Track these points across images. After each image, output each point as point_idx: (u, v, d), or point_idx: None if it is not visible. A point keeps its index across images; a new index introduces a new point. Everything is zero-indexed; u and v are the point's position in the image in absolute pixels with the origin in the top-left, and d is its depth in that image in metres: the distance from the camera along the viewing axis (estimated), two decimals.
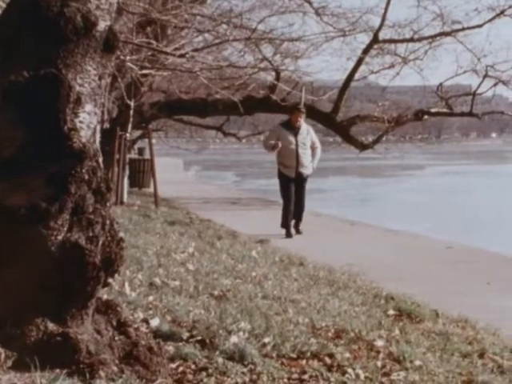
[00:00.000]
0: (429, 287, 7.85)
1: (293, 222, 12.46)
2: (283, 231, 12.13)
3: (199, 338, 4.58)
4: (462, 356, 4.80)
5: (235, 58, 17.01)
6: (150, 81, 16.43)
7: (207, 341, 4.52)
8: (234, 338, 4.52)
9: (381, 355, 4.63)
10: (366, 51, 19.45)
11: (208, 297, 5.91)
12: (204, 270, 7.15)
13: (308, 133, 12.53)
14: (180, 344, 4.44)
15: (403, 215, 18.88)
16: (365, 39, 19.79)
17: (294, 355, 4.48)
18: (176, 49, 9.21)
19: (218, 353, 4.33)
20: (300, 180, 12.40)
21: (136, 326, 4.20)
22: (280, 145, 12.18)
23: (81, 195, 3.68)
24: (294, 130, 12.37)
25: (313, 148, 12.51)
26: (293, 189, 12.35)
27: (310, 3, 17.51)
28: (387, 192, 27.74)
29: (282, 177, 12.54)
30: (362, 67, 20.34)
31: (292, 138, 12.29)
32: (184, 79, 18.45)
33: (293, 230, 12.32)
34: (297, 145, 12.27)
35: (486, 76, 20.87)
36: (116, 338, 3.85)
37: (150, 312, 5.16)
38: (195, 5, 11.33)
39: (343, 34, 18.04)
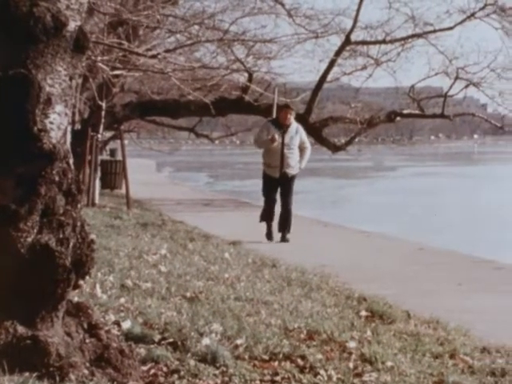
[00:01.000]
0: (401, 288, 7.89)
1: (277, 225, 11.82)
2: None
3: (171, 340, 4.55)
4: (434, 357, 4.82)
5: (208, 59, 17.03)
6: (121, 81, 16.36)
7: (179, 343, 4.50)
8: (206, 340, 4.50)
9: (353, 356, 4.63)
10: (338, 53, 19.52)
11: (180, 299, 5.88)
12: (176, 272, 7.12)
13: (297, 132, 11.83)
14: (152, 346, 4.41)
15: (376, 216, 18.96)
16: (337, 41, 19.89)
17: (267, 357, 4.48)
18: (148, 49, 9.18)
19: (189, 355, 4.31)
20: (285, 180, 11.76)
21: (107, 328, 4.17)
22: (277, 137, 11.53)
23: (51, 197, 3.64)
24: (282, 128, 11.69)
25: (301, 148, 11.83)
26: (276, 190, 11.83)
27: (283, 5, 17.56)
28: (360, 193, 27.86)
29: (265, 177, 12.03)
30: (335, 69, 20.43)
31: (279, 137, 11.65)
32: (156, 80, 18.40)
33: (275, 235, 11.73)
34: (283, 144, 11.61)
35: (457, 78, 21.05)
36: (87, 341, 3.82)
37: (122, 314, 5.12)
38: (167, 5, 11.29)
39: (316, 36, 18.10)
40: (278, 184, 11.80)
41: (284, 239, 11.66)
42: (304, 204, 22.60)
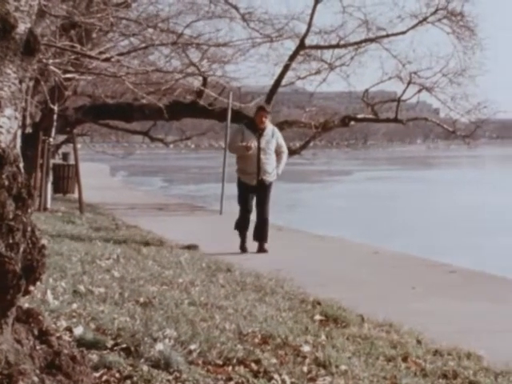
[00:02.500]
0: (355, 292, 7.92)
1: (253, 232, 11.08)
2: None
3: (124, 345, 4.51)
4: (387, 360, 4.85)
5: (162, 63, 16.93)
6: (74, 85, 16.21)
7: (132, 348, 4.46)
8: (159, 346, 4.46)
9: (307, 360, 4.64)
10: (292, 57, 19.62)
11: (133, 304, 5.83)
12: (130, 277, 7.06)
13: (273, 135, 11.02)
14: (104, 352, 4.37)
15: (330, 220, 19.05)
16: (291, 45, 20.00)
17: (221, 362, 4.46)
18: (101, 52, 9.09)
19: (143, 360, 4.27)
20: (262, 188, 10.93)
21: (58, 334, 4.11)
22: (254, 145, 10.73)
23: (0, 201, 3.57)
24: (258, 131, 10.89)
25: (278, 152, 11.04)
26: (252, 198, 10.98)
27: (237, 9, 17.57)
28: (314, 197, 27.99)
29: (241, 185, 11.07)
30: (289, 73, 20.53)
31: (254, 141, 10.82)
32: (110, 83, 18.27)
33: (248, 245, 10.95)
34: (259, 149, 10.81)
35: (410, 83, 21.31)
36: (37, 348, 3.75)
37: (74, 320, 5.06)
38: (120, 8, 11.21)
39: (270, 40, 18.14)
40: (254, 192, 10.96)
41: (262, 249, 10.92)
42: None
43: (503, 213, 21.43)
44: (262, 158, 10.83)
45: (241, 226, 11.02)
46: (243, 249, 10.90)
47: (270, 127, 11.07)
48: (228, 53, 16.80)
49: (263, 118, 10.94)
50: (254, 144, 10.72)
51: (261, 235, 10.96)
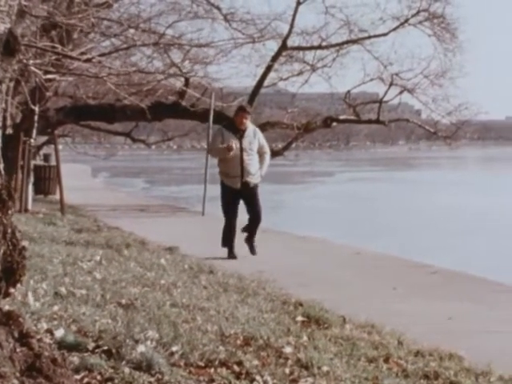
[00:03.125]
0: (337, 293, 7.93)
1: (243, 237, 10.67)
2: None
3: (105, 347, 4.49)
4: (368, 361, 4.86)
5: (144, 64, 16.86)
6: (55, 85, 16.14)
7: (114, 351, 4.44)
8: (141, 348, 4.44)
9: (289, 362, 4.64)
10: (274, 58, 19.63)
11: (115, 306, 5.80)
12: (111, 279, 7.03)
13: (255, 135, 10.66)
14: (85, 354, 4.34)
15: (313, 221, 19.07)
16: (274, 46, 20.00)
17: (203, 363, 4.44)
18: (82, 53, 9.05)
19: (124, 362, 4.25)
20: (248, 191, 10.52)
21: (39, 337, 4.07)
22: (236, 146, 10.33)
23: None
24: (239, 132, 10.52)
25: (260, 153, 10.68)
26: (237, 203, 10.61)
27: (219, 9, 17.55)
28: (297, 198, 28.01)
29: (224, 189, 10.65)
30: (272, 74, 20.53)
31: (236, 142, 10.44)
32: (91, 84, 18.20)
33: (237, 251, 10.50)
34: (241, 150, 10.41)
35: (391, 84, 21.39)
36: (17, 350, 3.72)
37: (55, 322, 5.03)
38: (101, 9, 11.16)
39: (252, 41, 18.13)
40: (239, 196, 10.55)
41: (254, 251, 10.57)
42: (241, 209, 22.62)
43: (484, 213, 21.56)
44: (245, 159, 10.46)
45: (227, 237, 10.53)
46: (232, 256, 10.43)
47: (251, 128, 10.73)
48: (210, 53, 16.79)
49: (243, 119, 10.59)
50: (235, 144, 10.34)
51: (252, 233, 10.62)
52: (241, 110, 10.91)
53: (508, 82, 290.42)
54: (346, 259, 10.93)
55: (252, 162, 10.56)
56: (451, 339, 5.79)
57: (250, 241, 10.64)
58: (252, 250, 10.59)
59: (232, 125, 10.77)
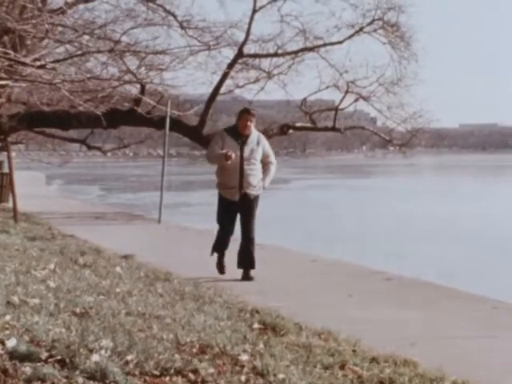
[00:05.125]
0: (293, 300, 7.95)
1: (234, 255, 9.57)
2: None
3: (59, 357, 4.44)
4: (324, 368, 4.87)
5: (99, 71, 16.72)
6: (8, 92, 15.91)
7: (67, 360, 4.39)
8: (95, 357, 4.40)
9: (245, 369, 4.62)
10: (231, 65, 19.65)
11: (69, 315, 5.74)
12: (66, 287, 6.95)
13: (259, 143, 9.50)
14: (38, 364, 4.29)
15: (269, 228, 19.06)
16: (230, 53, 20.02)
17: (158, 372, 4.41)
18: (36, 59, 8.92)
19: (78, 372, 4.21)
20: (247, 203, 9.42)
21: None
22: (234, 155, 9.19)
23: None
24: (242, 138, 9.38)
25: (265, 162, 9.55)
26: (235, 217, 9.51)
27: (175, 16, 17.52)
28: None
29: (221, 202, 9.60)
30: (228, 81, 20.54)
31: (237, 149, 9.32)
32: (45, 91, 17.97)
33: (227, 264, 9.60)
34: (242, 158, 9.30)
35: (347, 92, 21.56)
36: None
37: (7, 332, 4.95)
38: (55, 15, 11.04)
39: (208, 48, 18.12)
40: (237, 209, 9.45)
41: (247, 277, 9.38)
42: (198, 216, 22.56)
43: (437, 220, 21.80)
44: (246, 168, 9.33)
45: (218, 246, 9.64)
46: (221, 270, 9.51)
47: (255, 134, 9.55)
48: (166, 60, 16.71)
49: (247, 123, 9.41)
50: (234, 154, 9.18)
51: (246, 260, 9.44)
52: (245, 112, 9.67)
53: (462, 90, 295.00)
54: (302, 267, 10.95)
55: (253, 172, 9.41)
56: (406, 345, 5.83)
57: (244, 264, 9.46)
58: (246, 276, 9.41)
59: (234, 129, 9.56)
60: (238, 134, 9.43)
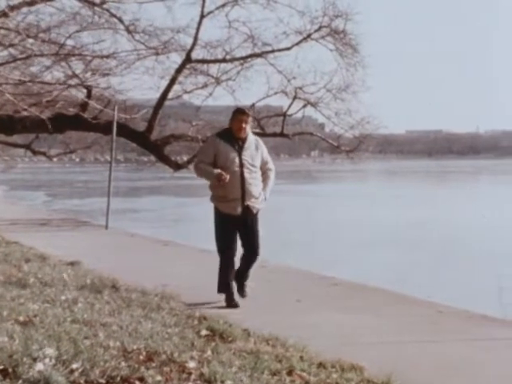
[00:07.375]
0: (242, 306, 7.92)
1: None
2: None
3: (1, 367, 4.36)
4: (272, 374, 4.86)
5: (44, 74, 16.51)
6: None
7: (10, 370, 4.32)
8: (39, 366, 4.33)
9: (192, 376, 4.59)
10: (178, 71, 19.56)
11: (12, 323, 5.64)
12: (9, 295, 6.84)
13: (258, 148, 8.33)
14: None
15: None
16: (178, 59, 19.90)
17: (104, 380, 4.36)
18: None
19: (21, 382, 4.15)
20: (249, 218, 8.20)
21: None
22: (228, 178, 7.99)
23: None
24: (238, 142, 8.16)
25: (264, 170, 8.40)
26: (236, 234, 8.23)
27: (121, 21, 17.35)
28: (201, 212, 27.90)
29: (219, 216, 8.25)
30: (176, 86, 20.43)
31: (235, 155, 8.11)
32: None
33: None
34: (241, 165, 8.09)
35: (295, 98, 21.62)
36: None
37: None
38: None
39: (156, 53, 18.00)
40: (238, 225, 8.18)
41: (243, 293, 8.43)
42: (145, 223, 22.42)
43: (385, 226, 22.01)
44: (247, 177, 8.12)
45: (224, 280, 8.25)
46: (234, 304, 8.04)
47: (252, 137, 8.35)
48: (112, 65, 16.57)
49: (242, 124, 8.16)
50: (228, 177, 7.98)
51: (244, 273, 8.49)
52: (238, 112, 8.35)
53: (408, 96, 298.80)
54: (250, 273, 10.91)
55: (255, 182, 8.22)
56: (353, 350, 5.86)
57: (240, 280, 8.45)
58: (242, 292, 8.44)
59: (229, 133, 8.27)
60: (234, 138, 8.18)
